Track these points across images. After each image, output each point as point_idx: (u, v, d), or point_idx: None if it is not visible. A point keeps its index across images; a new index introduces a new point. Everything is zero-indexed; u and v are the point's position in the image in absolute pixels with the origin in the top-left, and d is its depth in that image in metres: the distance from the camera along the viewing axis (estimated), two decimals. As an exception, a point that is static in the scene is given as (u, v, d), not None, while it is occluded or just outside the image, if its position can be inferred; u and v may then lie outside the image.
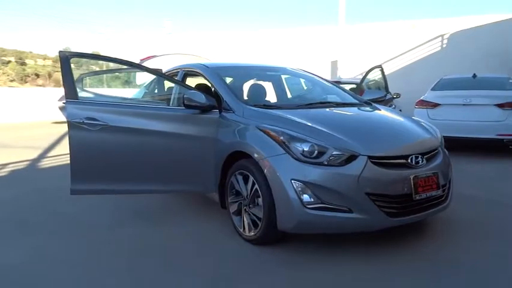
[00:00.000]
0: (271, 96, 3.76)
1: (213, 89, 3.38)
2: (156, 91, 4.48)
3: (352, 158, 2.43)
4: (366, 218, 2.41)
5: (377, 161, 2.47)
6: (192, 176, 3.12)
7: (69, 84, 2.89)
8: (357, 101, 3.63)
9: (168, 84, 4.09)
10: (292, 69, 4.22)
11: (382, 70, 5.27)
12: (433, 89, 7.04)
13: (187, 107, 2.99)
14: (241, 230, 2.84)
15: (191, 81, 3.89)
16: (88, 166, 2.95)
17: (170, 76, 3.61)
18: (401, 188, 2.47)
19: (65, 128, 4.22)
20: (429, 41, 11.29)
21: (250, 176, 2.69)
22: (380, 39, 11.93)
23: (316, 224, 2.44)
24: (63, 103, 4.28)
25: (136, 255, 2.64)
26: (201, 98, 2.99)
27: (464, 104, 6.28)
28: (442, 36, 11.18)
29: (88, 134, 2.88)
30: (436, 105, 6.54)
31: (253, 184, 2.67)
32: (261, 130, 2.69)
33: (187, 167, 3.09)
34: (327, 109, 3.26)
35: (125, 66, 3.36)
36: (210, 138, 3.05)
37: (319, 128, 2.65)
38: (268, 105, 3.13)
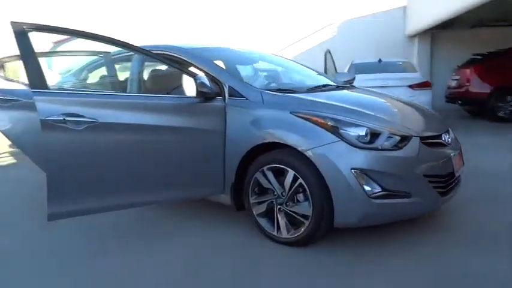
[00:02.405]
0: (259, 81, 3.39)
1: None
2: (89, 78, 3.65)
3: (404, 139, 2.30)
4: (423, 201, 2.32)
5: (425, 141, 2.40)
6: (200, 178, 2.62)
7: (34, 69, 2.10)
8: (344, 84, 3.53)
9: (120, 68, 3.35)
10: (264, 53, 3.91)
11: (330, 54, 5.32)
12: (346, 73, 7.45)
13: (200, 94, 2.48)
14: (274, 233, 2.48)
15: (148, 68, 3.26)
16: (72, 179, 2.21)
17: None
18: (447, 167, 2.46)
19: None
20: (321, 29, 12.01)
21: (289, 170, 2.34)
22: (278, 24, 12.21)
23: (380, 214, 2.25)
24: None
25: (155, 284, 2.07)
26: (207, 83, 2.50)
27: (382, 86, 6.81)
28: (331, 24, 12.00)
29: (71, 135, 2.14)
30: (356, 88, 6.95)
31: (295, 179, 2.33)
32: (299, 116, 2.36)
33: (194, 167, 2.58)
34: (339, 91, 3.08)
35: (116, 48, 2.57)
36: (216, 131, 2.58)
37: (361, 110, 2.45)
38: (283, 89, 2.78)
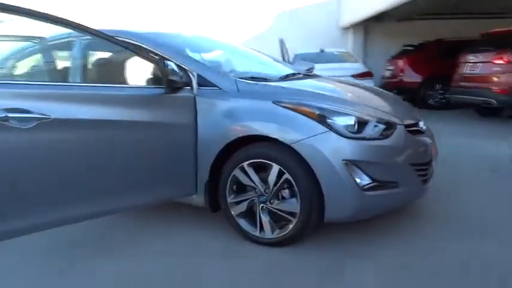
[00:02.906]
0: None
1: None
2: (20, 68, 3.12)
3: (390, 128, 2.22)
4: (410, 190, 2.28)
5: (408, 129, 2.34)
6: (169, 180, 2.32)
7: None
8: (307, 72, 3.40)
9: (64, 56, 2.88)
10: (223, 40, 3.64)
11: (284, 43, 5.21)
12: (294, 64, 7.43)
13: (169, 83, 2.18)
14: (257, 234, 2.29)
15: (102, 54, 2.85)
16: (16, 191, 1.80)
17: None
18: (427, 155, 2.43)
19: None
20: (258, 19, 11.92)
21: (274, 164, 2.15)
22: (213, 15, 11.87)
23: (372, 207, 2.16)
24: None
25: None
26: (178, 70, 2.22)
27: (327, 76, 6.87)
28: (268, 15, 11.96)
29: (15, 136, 1.74)
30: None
31: (280, 174, 2.15)
32: (283, 106, 2.17)
33: (162, 168, 2.28)
34: (310, 80, 2.92)
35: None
36: (185, 126, 2.31)
37: (344, 98, 2.33)
38: (256, 78, 2.56)
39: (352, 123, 2.12)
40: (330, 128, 2.09)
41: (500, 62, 6.00)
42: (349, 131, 2.10)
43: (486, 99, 6.05)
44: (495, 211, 2.70)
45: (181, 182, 2.37)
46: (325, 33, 11.80)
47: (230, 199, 2.33)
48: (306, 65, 3.83)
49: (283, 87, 2.39)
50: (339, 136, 2.08)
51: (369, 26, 11.53)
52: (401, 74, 8.77)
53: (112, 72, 2.61)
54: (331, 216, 2.12)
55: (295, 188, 2.12)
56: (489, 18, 10.04)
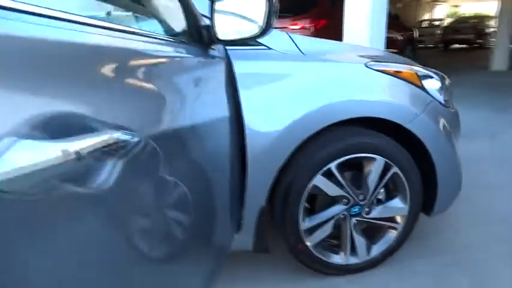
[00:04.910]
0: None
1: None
2: None
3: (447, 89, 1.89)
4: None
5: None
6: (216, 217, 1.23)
7: None
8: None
9: None
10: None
11: None
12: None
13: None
14: (343, 261, 1.56)
15: None
16: None
17: None
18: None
19: None
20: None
21: (378, 157, 1.46)
22: None
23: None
24: None
25: None
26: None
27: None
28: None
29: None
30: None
31: (386, 169, 1.48)
32: (379, 70, 1.47)
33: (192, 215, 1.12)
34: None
35: None
36: (219, 118, 1.25)
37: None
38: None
39: (439, 86, 1.68)
40: (431, 95, 1.58)
41: (296, 27, 6.55)
42: (442, 97, 1.66)
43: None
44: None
45: (217, 225, 1.30)
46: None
47: (305, 224, 1.47)
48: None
49: (347, 44, 1.65)
50: (440, 105, 1.61)
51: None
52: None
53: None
54: (439, 210, 1.66)
55: (405, 183, 1.53)
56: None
